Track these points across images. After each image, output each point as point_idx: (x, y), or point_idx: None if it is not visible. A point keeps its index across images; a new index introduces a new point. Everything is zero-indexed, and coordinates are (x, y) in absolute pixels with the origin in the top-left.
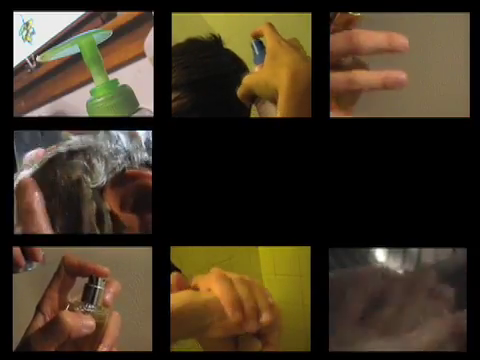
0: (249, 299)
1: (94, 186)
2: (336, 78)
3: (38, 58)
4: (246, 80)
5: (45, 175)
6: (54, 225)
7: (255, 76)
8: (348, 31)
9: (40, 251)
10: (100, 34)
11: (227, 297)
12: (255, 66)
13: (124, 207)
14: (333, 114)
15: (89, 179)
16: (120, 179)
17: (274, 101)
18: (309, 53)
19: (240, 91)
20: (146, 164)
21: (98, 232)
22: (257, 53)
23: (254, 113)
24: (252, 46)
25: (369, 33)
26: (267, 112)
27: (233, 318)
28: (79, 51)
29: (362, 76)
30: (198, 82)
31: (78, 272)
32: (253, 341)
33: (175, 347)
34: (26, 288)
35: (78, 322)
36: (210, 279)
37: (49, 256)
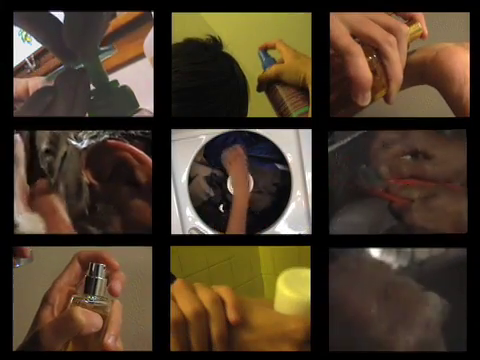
0: None
1: (76, 145)
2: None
3: (43, 79)
4: (277, 67)
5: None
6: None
7: (285, 65)
8: None
9: (27, 248)
10: None
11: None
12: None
13: (101, 178)
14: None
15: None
16: (100, 148)
17: (297, 87)
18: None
19: (267, 74)
20: (126, 136)
21: (74, 203)
22: (264, 59)
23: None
24: (259, 55)
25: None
26: (276, 98)
27: None
28: None
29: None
30: (183, 91)
31: (93, 261)
32: None
33: None
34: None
35: (89, 319)
36: None
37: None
